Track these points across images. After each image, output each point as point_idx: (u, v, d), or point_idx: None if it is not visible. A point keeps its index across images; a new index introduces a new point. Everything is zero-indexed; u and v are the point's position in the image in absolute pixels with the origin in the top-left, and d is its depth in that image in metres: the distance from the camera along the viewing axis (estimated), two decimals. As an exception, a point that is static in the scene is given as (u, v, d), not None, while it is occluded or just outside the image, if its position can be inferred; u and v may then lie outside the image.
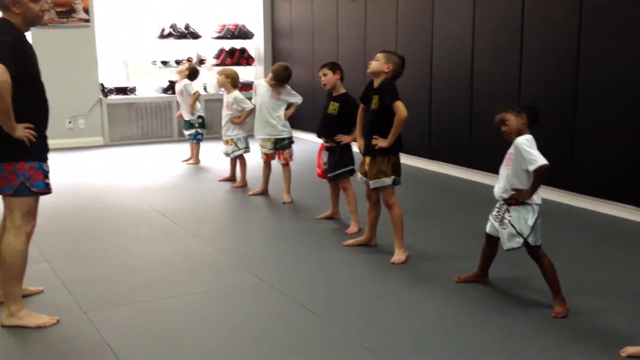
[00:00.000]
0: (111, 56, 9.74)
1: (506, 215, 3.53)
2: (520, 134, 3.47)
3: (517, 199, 3.47)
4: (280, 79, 5.83)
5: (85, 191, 6.41)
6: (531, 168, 3.37)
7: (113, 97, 9.39)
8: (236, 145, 6.53)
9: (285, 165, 5.97)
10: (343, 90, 5.01)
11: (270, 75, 5.87)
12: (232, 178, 6.81)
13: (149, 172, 7.38)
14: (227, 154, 6.65)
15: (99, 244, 4.77)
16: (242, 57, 10.45)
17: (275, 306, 3.65)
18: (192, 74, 7.77)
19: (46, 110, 3.36)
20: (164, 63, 9.81)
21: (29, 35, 3.38)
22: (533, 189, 3.43)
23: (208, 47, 10.33)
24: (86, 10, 8.93)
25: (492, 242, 3.74)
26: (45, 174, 3.34)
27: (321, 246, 4.67)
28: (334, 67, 5.00)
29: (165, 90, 9.73)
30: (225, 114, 6.53)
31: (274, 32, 10.36)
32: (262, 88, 5.95)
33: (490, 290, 3.81)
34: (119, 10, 9.65)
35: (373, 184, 4.32)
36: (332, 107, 4.99)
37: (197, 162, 7.81)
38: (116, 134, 9.40)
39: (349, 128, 4.92)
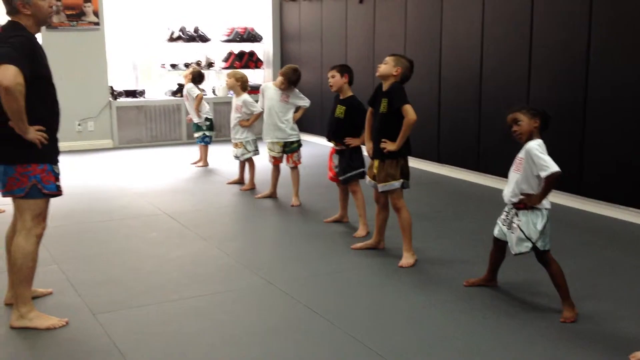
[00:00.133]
0: (120, 59, 9.79)
1: (515, 219, 3.52)
2: (530, 137, 3.46)
3: (526, 203, 3.46)
4: (291, 81, 5.84)
5: (94, 193, 6.44)
6: (543, 174, 3.35)
7: (122, 100, 9.44)
8: (245, 148, 6.54)
9: (294, 168, 5.98)
10: (350, 94, 5.01)
11: (280, 78, 5.87)
12: (240, 181, 6.82)
13: (158, 175, 7.40)
14: (236, 157, 6.67)
15: (108, 246, 4.79)
16: (250, 60, 10.47)
17: (283, 309, 3.65)
18: (196, 78, 7.81)
19: (57, 113, 3.38)
20: (173, 66, 9.85)
21: (38, 38, 3.40)
22: (543, 195, 3.41)
23: (217, 50, 10.36)
24: (96, 14, 8.97)
25: (500, 246, 3.73)
26: (57, 176, 3.36)
27: (329, 249, 4.67)
28: (342, 70, 5.00)
29: (174, 93, 9.76)
30: (234, 116, 6.55)
31: (282, 36, 10.38)
32: (270, 91, 5.96)
33: (498, 294, 3.80)
34: (128, 13, 9.69)
35: (382, 187, 4.32)
36: (339, 111, 5.00)
37: (205, 164, 7.83)
38: (125, 137, 9.44)
39: (356, 131, 4.92)
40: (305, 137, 8.71)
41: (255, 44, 10.52)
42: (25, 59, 3.10)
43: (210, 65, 10.18)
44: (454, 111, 7.09)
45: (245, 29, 10.39)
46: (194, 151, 8.21)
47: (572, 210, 5.66)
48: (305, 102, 6.01)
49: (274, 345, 3.19)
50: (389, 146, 4.22)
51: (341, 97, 5.03)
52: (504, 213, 3.62)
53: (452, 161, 7.21)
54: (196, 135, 7.83)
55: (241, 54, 10.40)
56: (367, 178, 4.52)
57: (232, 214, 5.94)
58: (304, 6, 9.73)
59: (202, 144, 7.81)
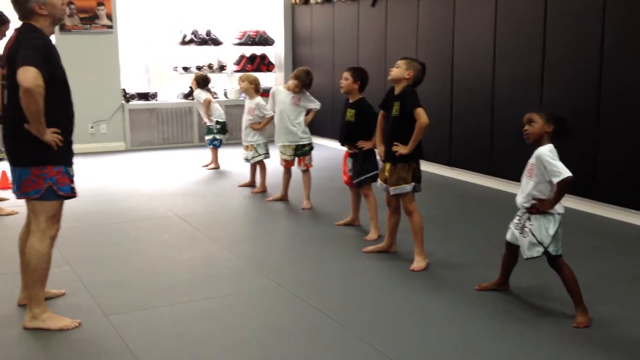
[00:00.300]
0: (133, 62, 9.85)
1: (527, 223, 3.50)
2: (539, 139, 3.45)
3: (538, 208, 3.44)
4: (305, 84, 5.85)
5: (107, 195, 6.47)
6: (555, 180, 3.33)
7: (135, 103, 9.48)
8: (256, 151, 6.55)
9: (305, 171, 5.98)
10: (359, 96, 5.01)
11: (294, 81, 5.86)
12: (251, 184, 6.83)
13: (169, 177, 7.43)
14: (247, 160, 6.68)
15: (120, 247, 4.81)
16: (262, 64, 10.49)
17: (294, 311, 3.65)
18: (201, 82, 7.87)
19: (72, 115, 3.40)
20: (185, 69, 9.89)
21: (52, 40, 3.42)
22: (555, 200, 3.39)
23: (229, 54, 10.39)
24: (109, 17, 9.03)
25: (513, 250, 3.71)
26: (71, 178, 3.38)
27: (340, 252, 4.67)
28: (356, 75, 4.97)
29: (186, 96, 9.80)
30: (246, 119, 6.57)
31: (294, 39, 10.40)
32: (281, 95, 5.97)
33: (511, 299, 3.78)
34: (141, 16, 9.75)
35: (393, 190, 4.31)
36: (349, 114, 5.00)
37: (217, 166, 7.87)
38: (137, 139, 9.49)
39: (368, 134, 4.92)
40: (317, 141, 8.73)
41: (267, 47, 10.54)
42: (44, 61, 3.13)
43: (222, 68, 10.21)
44: (466, 114, 7.07)
45: (257, 32, 10.42)
46: (206, 154, 8.23)
47: (585, 215, 5.63)
48: (316, 105, 6.01)
49: (284, 348, 3.19)
50: (401, 149, 4.21)
51: (350, 101, 5.03)
52: (517, 217, 3.61)
53: (463, 164, 7.18)
54: (207, 137, 7.88)
55: (253, 57, 10.42)
56: (379, 181, 4.52)
57: (243, 216, 5.95)
58: (316, 9, 9.74)
59: (211, 146, 7.85)
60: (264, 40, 10.46)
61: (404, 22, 7.88)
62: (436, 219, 5.42)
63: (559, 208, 3.45)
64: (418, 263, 4.29)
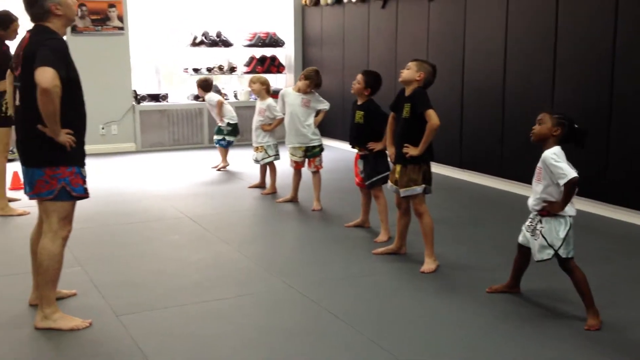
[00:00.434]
0: (144, 63, 9.89)
1: (538, 226, 3.49)
2: (542, 140, 3.46)
3: (549, 211, 3.44)
4: (316, 84, 5.86)
5: (118, 196, 6.49)
6: (561, 182, 3.33)
7: (145, 104, 9.52)
8: (266, 152, 6.56)
9: (316, 172, 5.99)
10: (367, 98, 5.00)
11: (305, 82, 5.85)
12: (261, 185, 6.84)
13: (180, 178, 7.45)
14: (256, 161, 6.69)
15: (131, 248, 4.83)
16: (272, 65, 10.51)
17: (303, 313, 3.65)
18: (204, 86, 7.93)
19: (85, 116, 3.42)
20: (196, 70, 9.91)
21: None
22: (564, 202, 3.39)
23: (239, 55, 10.41)
24: (120, 18, 9.07)
25: (524, 252, 3.70)
26: (84, 179, 3.39)
27: (350, 254, 4.66)
28: (368, 81, 4.92)
29: (196, 97, 9.81)
30: (257, 119, 6.58)
31: (304, 40, 10.40)
32: (291, 97, 5.97)
33: (522, 301, 3.76)
34: (152, 18, 9.78)
35: (403, 192, 4.31)
36: (358, 116, 5.00)
37: (226, 164, 7.89)
38: (148, 140, 9.52)
39: (377, 135, 4.91)
40: (327, 142, 8.71)
41: (277, 48, 10.55)
42: (60, 62, 3.15)
43: (232, 69, 10.23)
44: (477, 116, 7.05)
45: (268, 33, 10.44)
46: (216, 155, 8.24)
47: (596, 217, 5.60)
48: (325, 105, 6.01)
49: (294, 348, 3.19)
50: (412, 151, 4.20)
51: (358, 103, 5.03)
52: (529, 219, 3.60)
53: (474, 166, 7.16)
54: (215, 137, 7.91)
55: (263, 59, 10.44)
56: (389, 183, 4.51)
57: (253, 217, 5.95)
58: (326, 11, 9.75)
59: (218, 145, 7.89)
60: (274, 41, 10.47)
61: (415, 23, 7.87)
62: (447, 220, 5.41)
63: (569, 210, 3.43)
64: (428, 265, 4.28)
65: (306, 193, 6.19)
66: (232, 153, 8.13)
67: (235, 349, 3.21)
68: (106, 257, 4.61)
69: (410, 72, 4.26)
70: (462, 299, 3.81)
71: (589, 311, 3.42)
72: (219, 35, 10.08)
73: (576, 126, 3.48)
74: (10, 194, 6.04)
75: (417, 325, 3.47)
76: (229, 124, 7.80)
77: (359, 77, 4.97)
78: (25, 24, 5.43)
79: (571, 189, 3.34)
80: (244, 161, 8.07)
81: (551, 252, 3.44)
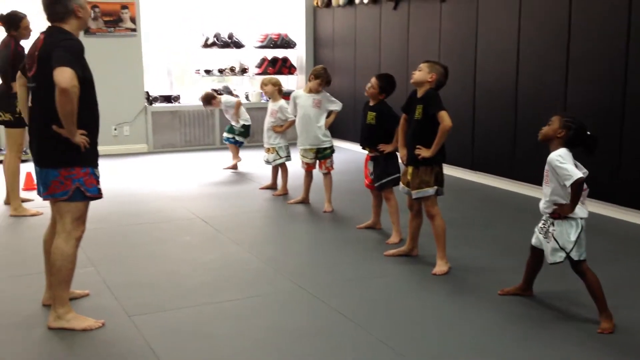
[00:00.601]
0: (156, 65, 9.93)
1: (550, 228, 3.48)
2: (548, 141, 3.47)
3: (560, 213, 3.42)
4: (327, 81, 5.87)
5: (130, 197, 6.52)
6: (567, 183, 3.33)
7: (157, 105, 9.56)
8: (277, 153, 6.57)
9: (327, 174, 5.98)
10: (380, 99, 4.99)
11: (316, 81, 5.85)
12: (273, 186, 6.85)
13: (191, 179, 7.47)
14: (268, 162, 6.70)
15: (142, 249, 4.85)
16: (284, 66, 10.52)
17: (315, 314, 3.65)
18: (206, 101, 7.95)
19: (98, 117, 3.44)
20: (207, 72, 9.94)
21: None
22: (573, 204, 3.38)
23: (251, 56, 10.44)
24: (133, 20, 9.11)
25: (537, 254, 3.68)
26: (97, 180, 3.41)
27: (362, 256, 4.66)
28: (383, 86, 4.92)
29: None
30: (269, 121, 6.59)
31: (316, 42, 10.41)
32: (302, 99, 5.97)
33: (534, 304, 3.74)
34: (164, 19, 9.82)
35: (415, 194, 4.30)
36: (369, 117, 4.99)
37: (238, 160, 7.93)
38: (160, 141, 9.56)
39: (389, 136, 4.91)
40: (338, 143, 8.72)
41: (289, 50, 10.57)
42: (77, 62, 3.18)
43: (244, 71, 10.25)
44: (489, 118, 7.03)
45: (279, 35, 10.45)
46: (227, 156, 8.26)
47: (609, 219, 5.56)
48: (337, 106, 6.01)
49: (305, 350, 3.20)
50: (424, 153, 4.19)
51: (371, 104, 5.02)
52: (542, 222, 3.58)
53: (485, 168, 7.14)
54: (226, 135, 7.94)
55: (274, 60, 10.45)
56: (401, 185, 4.50)
57: (264, 218, 5.96)
58: (338, 12, 9.75)
59: (228, 143, 7.93)
60: (285, 43, 10.48)
61: (426, 24, 7.85)
62: (458, 222, 5.39)
63: (581, 212, 3.42)
64: (440, 267, 4.27)
65: (317, 194, 6.19)
66: (244, 154, 8.15)
67: (247, 349, 3.21)
68: (118, 258, 4.63)
69: (422, 73, 4.25)
70: (473, 301, 3.79)
71: (602, 314, 3.40)
72: (230, 36, 10.10)
73: (588, 133, 3.46)
74: (23, 194, 6.08)
75: (428, 327, 3.46)
76: (243, 126, 7.83)
77: (374, 81, 4.95)
78: (35, 24, 5.51)
79: (577, 190, 3.34)
80: (255, 162, 8.08)
81: (563, 254, 3.43)
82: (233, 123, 7.89)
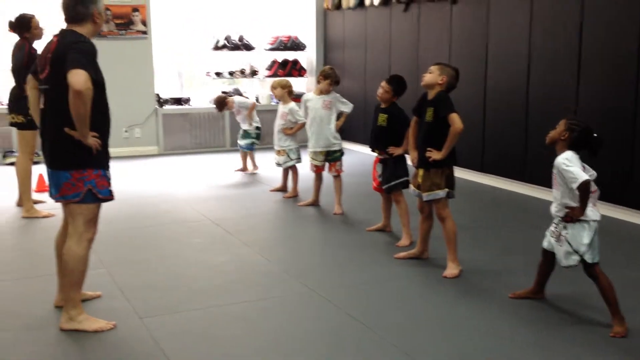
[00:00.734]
0: (167, 67, 9.97)
1: (563, 232, 3.47)
2: (553, 144, 3.49)
3: (571, 217, 3.41)
4: (336, 80, 5.88)
5: (141, 199, 6.55)
6: (574, 186, 3.33)
7: (168, 107, 9.59)
8: (288, 156, 6.57)
9: (337, 176, 5.98)
10: (391, 102, 4.99)
11: (326, 81, 5.84)
12: (283, 188, 6.85)
13: (201, 181, 7.49)
14: (278, 165, 6.71)
15: (154, 251, 4.86)
16: (294, 69, 10.52)
17: (325, 316, 3.65)
18: (219, 106, 7.91)
19: (109, 119, 3.46)
20: (218, 74, 9.97)
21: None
22: (582, 206, 3.37)
23: (261, 59, 10.45)
24: (144, 23, 9.15)
25: (549, 257, 3.67)
26: (109, 181, 3.43)
27: (372, 258, 4.65)
28: (396, 89, 4.92)
29: (218, 102, 9.86)
30: (279, 123, 6.59)
31: (326, 44, 10.42)
32: (312, 102, 5.97)
33: (545, 307, 3.73)
34: (175, 22, 9.86)
35: (426, 196, 4.29)
36: (381, 119, 4.98)
37: (256, 168, 7.93)
38: (170, 143, 9.59)
39: (399, 139, 4.90)
40: (348, 146, 8.72)
41: (299, 52, 10.58)
42: (91, 65, 3.20)
43: (254, 73, 10.27)
44: (499, 120, 7.01)
45: (289, 37, 10.46)
46: (238, 158, 8.25)
47: (620, 222, 5.53)
48: (347, 108, 6.01)
49: (315, 353, 3.20)
50: (435, 155, 4.19)
51: (382, 106, 5.02)
52: (553, 225, 3.57)
53: (496, 170, 7.11)
54: (244, 142, 7.89)
55: (285, 62, 10.47)
56: (411, 187, 4.49)
57: (274, 221, 5.97)
58: (348, 14, 9.75)
59: (250, 150, 7.90)
60: (295, 45, 10.49)
61: (437, 26, 7.84)
62: (469, 225, 5.37)
63: (593, 215, 3.40)
64: (451, 270, 4.26)
65: (328, 197, 6.19)
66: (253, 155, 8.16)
67: (257, 351, 3.21)
68: (130, 259, 4.65)
69: (432, 76, 4.24)
70: (484, 304, 3.78)
71: (614, 318, 3.38)
72: (241, 39, 10.12)
73: (595, 135, 3.45)
74: (35, 196, 6.12)
75: (438, 330, 3.45)
76: (257, 127, 7.85)
77: (385, 85, 4.93)
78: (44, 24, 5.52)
79: (585, 192, 3.33)
80: (265, 164, 8.09)
81: (577, 257, 3.42)
82: (245, 126, 7.86)
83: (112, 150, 3.55)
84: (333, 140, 5.94)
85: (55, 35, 3.39)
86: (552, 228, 3.58)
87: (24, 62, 5.46)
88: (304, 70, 10.62)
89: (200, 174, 7.95)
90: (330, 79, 5.85)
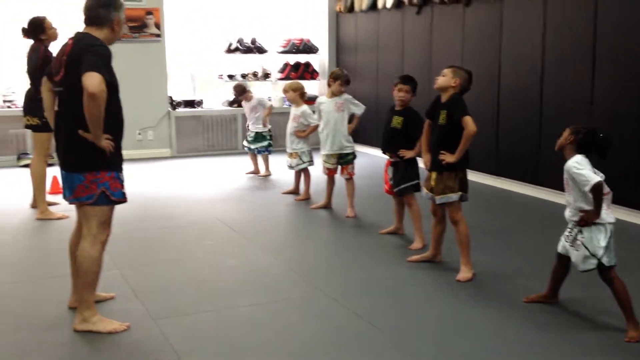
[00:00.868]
0: (180, 70, 10.01)
1: (579, 236, 3.45)
2: (561, 149, 3.49)
3: (586, 220, 3.39)
4: (346, 81, 5.88)
5: (154, 201, 6.57)
6: (586, 189, 3.32)
7: (181, 110, 9.63)
8: (300, 158, 6.57)
9: (349, 179, 5.98)
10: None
11: (336, 82, 5.84)
12: (295, 191, 6.85)
13: (214, 184, 7.51)
14: (291, 167, 6.71)
15: (167, 253, 4.88)
16: (306, 71, 10.54)
17: (337, 320, 3.64)
18: (240, 93, 7.89)
19: (123, 121, 3.48)
20: (230, 77, 10.00)
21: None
22: (597, 208, 3.35)
23: (273, 61, 10.48)
24: (157, 25, 9.20)
25: (563, 262, 3.65)
26: (122, 184, 3.45)
27: (384, 261, 4.65)
28: (414, 86, 4.92)
29: (230, 104, 9.90)
30: (291, 126, 6.59)
31: (338, 47, 10.42)
32: (325, 105, 5.97)
33: (559, 311, 3.70)
34: (188, 25, 9.91)
35: (439, 199, 4.28)
36: (395, 121, 4.97)
37: (269, 173, 7.92)
38: (183, 146, 9.63)
39: (412, 142, 4.89)
40: (361, 149, 8.71)
41: (311, 55, 10.59)
42: (106, 68, 3.22)
43: (266, 76, 10.30)
44: (513, 123, 6.98)
45: (302, 40, 10.48)
46: (250, 160, 8.25)
47: (634, 226, 5.48)
48: (360, 109, 6.00)
49: (327, 356, 3.19)
50: (448, 158, 4.18)
51: (397, 108, 5.00)
52: (567, 229, 3.55)
53: (509, 174, 7.08)
54: (260, 145, 7.87)
55: (297, 65, 10.48)
56: (424, 190, 4.48)
57: (287, 223, 5.97)
58: (361, 17, 9.75)
59: (266, 153, 7.89)
60: (308, 48, 10.51)
61: (450, 29, 7.82)
62: (482, 228, 5.35)
63: (608, 217, 3.39)
64: (464, 273, 4.24)
65: (340, 199, 6.18)
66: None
67: (269, 354, 3.22)
68: (143, 261, 4.67)
69: (445, 79, 4.23)
70: (498, 308, 3.76)
71: (629, 322, 3.35)
72: (253, 41, 10.15)
73: (601, 135, 3.45)
74: (49, 198, 6.16)
75: (451, 334, 3.44)
76: (269, 130, 7.87)
77: (404, 86, 4.87)
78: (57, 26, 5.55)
79: (597, 194, 3.32)
80: (277, 167, 8.10)
81: (595, 261, 3.40)
82: (256, 127, 7.84)
83: (125, 153, 3.57)
84: (346, 143, 5.93)
85: (71, 38, 3.41)
86: (566, 232, 3.56)
87: (38, 64, 5.49)
88: (317, 73, 10.64)
89: (212, 177, 7.97)
90: (340, 79, 5.85)
